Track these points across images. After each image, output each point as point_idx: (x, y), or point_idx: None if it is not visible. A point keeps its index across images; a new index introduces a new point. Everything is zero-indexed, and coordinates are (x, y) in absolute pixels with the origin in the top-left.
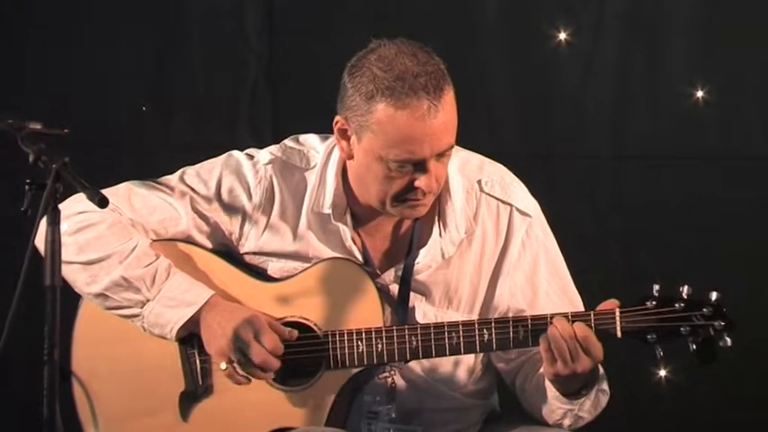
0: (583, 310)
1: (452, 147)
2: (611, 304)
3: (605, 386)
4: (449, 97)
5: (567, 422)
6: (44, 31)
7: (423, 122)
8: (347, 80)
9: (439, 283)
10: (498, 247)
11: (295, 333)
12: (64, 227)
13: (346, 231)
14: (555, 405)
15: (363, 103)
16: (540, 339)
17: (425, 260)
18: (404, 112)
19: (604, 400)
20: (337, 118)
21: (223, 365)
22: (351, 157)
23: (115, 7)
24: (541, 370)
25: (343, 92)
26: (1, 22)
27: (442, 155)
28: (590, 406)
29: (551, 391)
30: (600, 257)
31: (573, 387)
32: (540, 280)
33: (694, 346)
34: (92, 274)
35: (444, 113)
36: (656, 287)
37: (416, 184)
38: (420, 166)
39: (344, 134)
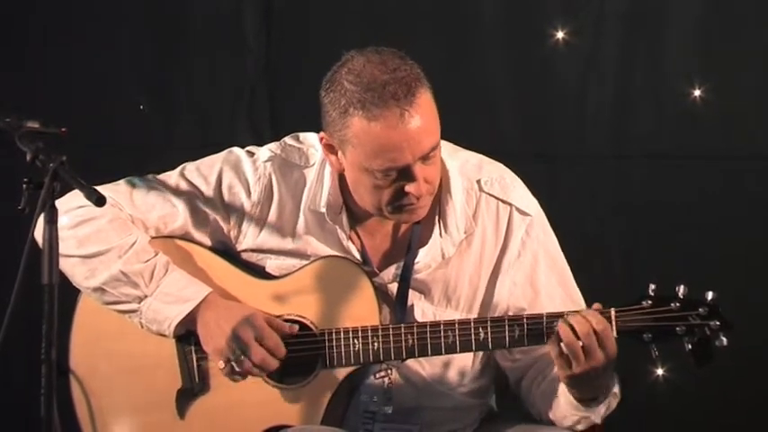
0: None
1: (436, 148)
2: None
3: (617, 389)
4: (422, 100)
5: (580, 427)
6: (44, 31)
7: (397, 130)
8: (323, 96)
9: (438, 282)
10: (498, 246)
11: (296, 328)
12: (64, 220)
13: (341, 232)
14: (569, 411)
15: (339, 118)
16: (550, 345)
17: (426, 260)
18: (377, 122)
19: (615, 402)
20: (321, 134)
21: (221, 364)
22: (342, 170)
23: (115, 7)
24: (550, 377)
25: (322, 108)
26: (1, 22)
27: (426, 157)
28: (603, 412)
29: (565, 396)
30: (600, 257)
31: (589, 392)
32: (541, 279)
33: (690, 346)
34: (90, 268)
35: (420, 117)
36: (653, 286)
37: (406, 189)
38: (405, 173)
39: (332, 149)
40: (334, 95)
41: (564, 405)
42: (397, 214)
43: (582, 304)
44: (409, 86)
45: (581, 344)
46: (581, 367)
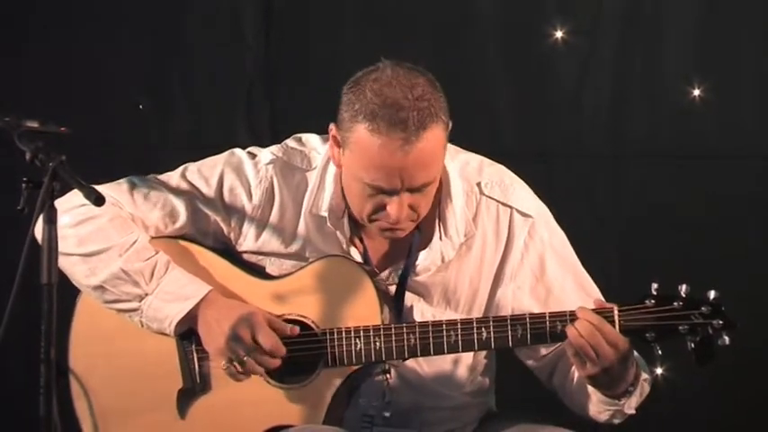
0: (602, 300)
1: (429, 184)
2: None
3: (646, 374)
4: (431, 135)
5: (616, 421)
6: (44, 31)
7: (393, 157)
8: (344, 92)
9: (437, 285)
10: (499, 250)
11: (296, 329)
12: (66, 219)
13: (341, 237)
14: (602, 408)
15: (348, 119)
16: (566, 347)
17: (425, 263)
18: (377, 140)
19: (648, 388)
20: (332, 125)
21: (223, 364)
22: (340, 165)
23: (114, 7)
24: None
25: (340, 103)
26: (1, 22)
27: (416, 189)
28: (636, 401)
29: (595, 395)
30: (598, 257)
31: (615, 387)
32: (551, 278)
33: (692, 345)
34: (91, 267)
35: (420, 152)
36: (655, 286)
37: (387, 208)
38: (391, 193)
39: (337, 142)
40: (352, 96)
41: (596, 402)
42: (375, 226)
43: (596, 294)
44: (423, 119)
45: (589, 343)
46: (596, 366)
